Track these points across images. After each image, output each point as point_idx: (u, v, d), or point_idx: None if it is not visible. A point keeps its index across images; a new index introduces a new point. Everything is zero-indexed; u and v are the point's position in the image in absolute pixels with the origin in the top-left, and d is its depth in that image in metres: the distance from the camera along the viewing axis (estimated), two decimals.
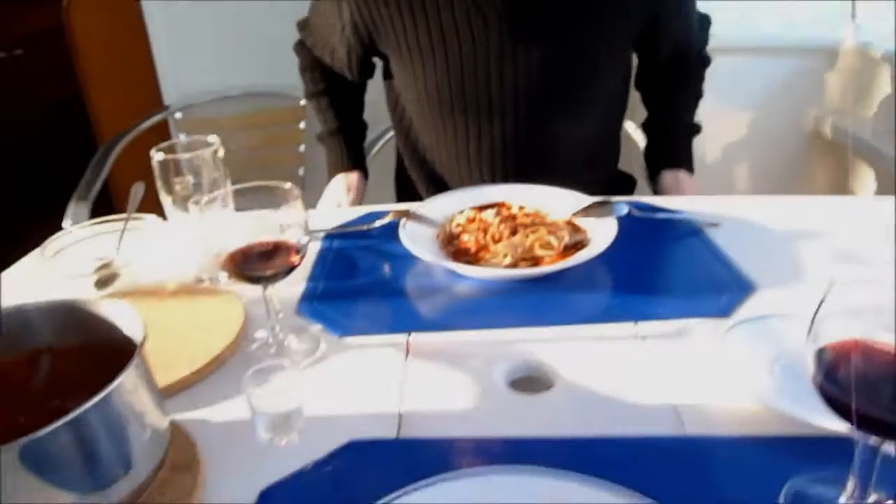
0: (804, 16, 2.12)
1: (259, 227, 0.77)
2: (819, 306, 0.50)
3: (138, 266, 1.01)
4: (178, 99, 2.42)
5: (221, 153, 0.94)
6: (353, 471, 0.63)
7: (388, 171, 1.59)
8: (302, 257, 0.75)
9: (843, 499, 0.55)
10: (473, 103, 1.21)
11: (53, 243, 1.00)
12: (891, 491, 0.55)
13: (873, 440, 0.51)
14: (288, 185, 0.75)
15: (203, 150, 0.92)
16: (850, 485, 0.54)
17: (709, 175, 2.35)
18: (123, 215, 1.04)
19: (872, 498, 0.54)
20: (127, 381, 0.54)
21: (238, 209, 0.79)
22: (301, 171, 2.41)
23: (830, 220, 1.08)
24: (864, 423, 0.48)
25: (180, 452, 0.65)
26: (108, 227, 1.06)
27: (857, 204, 1.18)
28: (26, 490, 0.49)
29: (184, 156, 0.91)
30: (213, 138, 0.94)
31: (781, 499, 0.56)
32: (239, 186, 0.78)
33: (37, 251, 0.98)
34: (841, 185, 2.16)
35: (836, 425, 0.61)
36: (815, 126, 2.22)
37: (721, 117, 2.31)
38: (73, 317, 0.65)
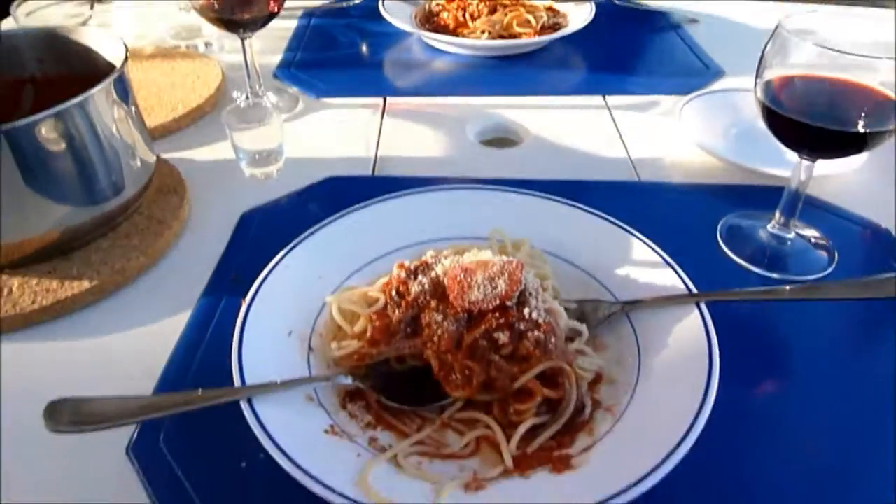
0: None
1: None
2: (766, 44, 0.53)
3: (113, 27, 0.99)
4: None
5: None
6: (330, 201, 0.67)
7: None
8: (281, 4, 0.75)
9: (769, 225, 0.61)
10: None
11: (23, 5, 0.98)
12: (814, 226, 0.62)
13: (801, 172, 0.56)
14: None
15: None
16: (777, 214, 0.60)
17: None
18: None
19: (796, 229, 0.60)
20: (109, 92, 0.57)
21: None
22: None
23: (810, 24, 1.08)
24: (797, 135, 0.53)
25: (167, 179, 0.68)
26: None
27: (837, 10, 1.17)
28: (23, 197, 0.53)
29: None
30: None
31: (719, 228, 0.62)
32: None
33: (8, 19, 0.95)
34: None
35: (776, 172, 0.67)
36: None
37: None
38: (55, 45, 0.66)
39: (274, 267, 0.51)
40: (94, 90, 0.55)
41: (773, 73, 0.53)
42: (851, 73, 0.51)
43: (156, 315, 0.54)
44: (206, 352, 0.50)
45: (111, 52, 0.64)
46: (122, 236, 0.61)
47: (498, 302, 0.45)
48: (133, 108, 0.62)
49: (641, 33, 1.04)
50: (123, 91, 0.60)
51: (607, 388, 0.46)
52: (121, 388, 0.44)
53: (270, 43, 0.98)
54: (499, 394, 0.44)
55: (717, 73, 0.90)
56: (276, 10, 0.75)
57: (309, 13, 1.08)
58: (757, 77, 0.54)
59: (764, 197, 0.65)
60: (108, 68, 0.62)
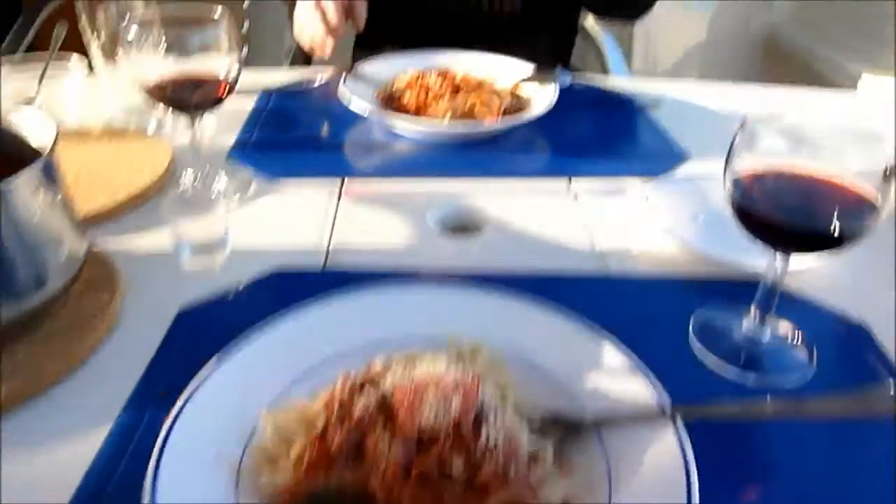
0: None
1: (189, 59, 0.73)
2: (735, 137, 0.51)
3: (61, 109, 0.95)
4: None
5: None
6: (275, 299, 0.63)
7: None
8: (232, 87, 0.72)
9: (745, 323, 0.57)
10: None
11: None
12: (790, 321, 0.59)
13: (776, 269, 0.53)
14: (217, 8, 0.71)
15: None
16: (753, 310, 0.57)
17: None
18: (45, 54, 0.98)
19: (772, 326, 0.57)
20: (32, 180, 0.52)
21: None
22: (246, 26, 2.28)
23: (774, 107, 1.09)
24: (772, 234, 0.50)
25: (99, 272, 0.63)
26: (29, 67, 1.00)
27: (803, 94, 1.20)
28: None
29: None
30: None
31: (691, 324, 0.59)
32: (165, 13, 0.73)
33: None
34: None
35: (750, 262, 0.64)
36: (764, 32, 2.23)
37: (673, 24, 2.29)
38: None
39: (203, 381, 0.45)
40: (13, 179, 0.50)
41: (742, 168, 0.51)
42: (823, 162, 0.49)
43: (70, 431, 0.48)
44: (123, 477, 0.44)
45: (44, 136, 0.59)
46: (41, 338, 0.55)
47: (451, 424, 0.40)
48: (61, 197, 0.57)
49: (605, 115, 1.03)
50: (51, 178, 0.55)
51: None
52: None
53: (227, 122, 0.95)
54: None
55: (682, 156, 0.89)
56: (224, 94, 0.72)
57: (268, 93, 1.05)
58: (725, 170, 0.52)
59: (737, 290, 0.62)
60: (37, 153, 0.58)
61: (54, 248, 0.55)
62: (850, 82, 1.84)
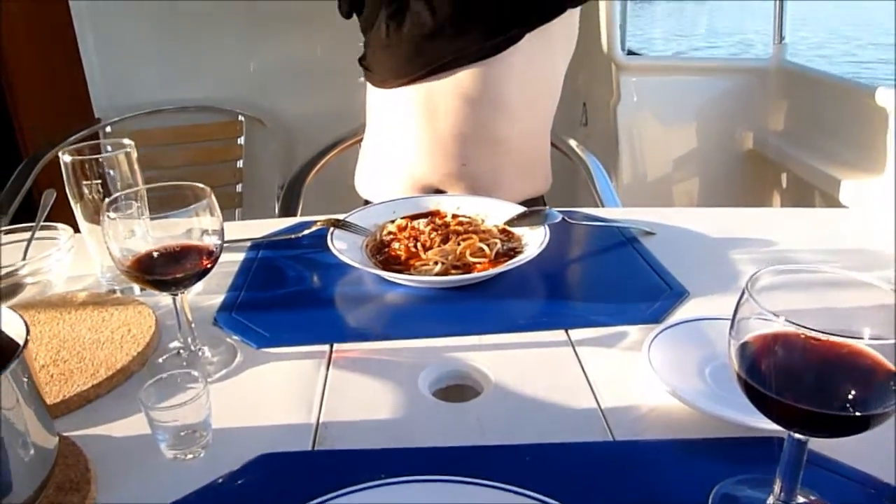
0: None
1: (171, 235, 0.72)
2: (740, 299, 0.49)
3: (46, 276, 0.94)
4: (111, 112, 2.33)
5: (135, 156, 0.88)
6: (265, 485, 0.59)
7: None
8: (214, 261, 0.70)
9: (770, 500, 0.53)
10: None
11: None
12: (817, 491, 0.54)
13: (798, 437, 0.49)
14: (200, 185, 0.71)
15: (116, 152, 0.86)
16: (777, 485, 0.52)
17: (648, 192, 2.39)
18: (32, 223, 0.98)
19: (799, 499, 0.52)
20: (3, 388, 0.49)
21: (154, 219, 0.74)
22: (239, 188, 2.35)
23: (766, 230, 1.09)
24: (788, 417, 0.46)
25: (70, 472, 0.59)
26: (17, 236, 1.00)
27: (791, 214, 1.20)
28: None
29: (94, 157, 0.85)
30: (127, 141, 0.89)
31: (710, 502, 0.54)
32: (149, 186, 0.73)
33: None
34: (774, 198, 2.23)
35: (765, 425, 0.60)
36: (748, 143, 2.28)
37: (659, 135, 2.35)
38: None
39: None
40: None
41: (748, 336, 0.48)
42: (839, 321, 0.46)
43: None
44: None
45: (11, 331, 0.57)
46: None
47: None
48: (32, 396, 0.53)
49: (598, 252, 1.02)
50: (19, 381, 0.52)
51: None
52: None
53: (214, 279, 0.94)
54: None
55: (682, 295, 0.86)
56: (209, 266, 0.70)
57: (256, 245, 1.04)
58: (730, 338, 0.49)
59: (759, 453, 0.58)
60: (10, 346, 0.56)
61: (23, 455, 0.51)
62: (831, 185, 1.86)
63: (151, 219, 0.70)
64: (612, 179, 1.78)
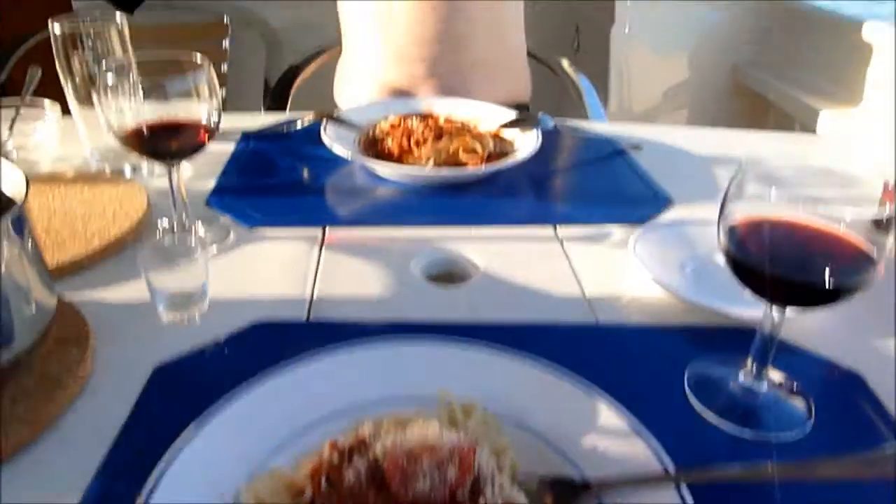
0: None
1: (167, 107, 0.71)
2: (729, 186, 0.51)
3: (33, 153, 0.93)
4: (91, 5, 2.24)
5: (127, 31, 0.86)
6: (257, 351, 0.60)
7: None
8: (212, 134, 0.70)
9: (741, 375, 0.56)
10: None
11: None
12: (782, 370, 0.58)
13: (772, 320, 0.52)
14: (198, 55, 0.70)
15: (107, 23, 0.84)
16: (749, 362, 0.56)
17: (636, 121, 2.39)
18: (17, 98, 0.96)
19: (769, 374, 0.56)
20: (2, 234, 0.49)
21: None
22: (224, 68, 2.28)
23: (749, 151, 1.10)
24: (770, 287, 0.49)
25: (69, 327, 0.60)
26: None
27: (775, 137, 1.21)
28: None
29: (85, 28, 0.83)
30: (119, 15, 0.87)
31: (686, 378, 0.57)
32: (146, 57, 0.72)
33: None
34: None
35: (739, 313, 0.63)
36: (738, 76, 2.28)
37: (650, 65, 2.34)
38: None
39: (180, 450, 0.43)
40: None
41: (736, 217, 0.50)
42: (818, 211, 0.48)
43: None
44: None
45: (13, 187, 0.57)
46: (6, 401, 0.51)
47: (448, 493, 0.38)
48: (32, 251, 0.54)
49: (587, 159, 1.03)
50: (21, 232, 0.53)
51: None
52: None
53: (205, 167, 0.93)
54: None
55: (666, 202, 0.88)
56: (205, 140, 0.70)
57: (247, 136, 1.04)
58: (720, 220, 0.51)
59: (730, 339, 0.62)
60: (7, 203, 0.56)
61: (23, 304, 0.52)
62: (809, 115, 1.88)
63: (149, 88, 0.69)
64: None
